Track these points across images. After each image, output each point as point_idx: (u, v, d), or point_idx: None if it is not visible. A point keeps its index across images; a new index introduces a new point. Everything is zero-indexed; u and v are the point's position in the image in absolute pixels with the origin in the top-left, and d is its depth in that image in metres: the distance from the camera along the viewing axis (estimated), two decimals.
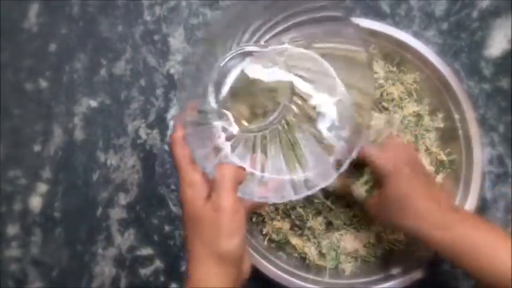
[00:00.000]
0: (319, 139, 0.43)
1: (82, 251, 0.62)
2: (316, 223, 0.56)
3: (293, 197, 0.43)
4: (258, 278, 0.55)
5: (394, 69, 0.59)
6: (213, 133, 0.44)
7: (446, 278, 0.59)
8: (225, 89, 0.43)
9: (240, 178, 0.43)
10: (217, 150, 0.44)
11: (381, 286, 0.54)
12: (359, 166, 0.51)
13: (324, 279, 0.55)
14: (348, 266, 0.57)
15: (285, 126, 0.43)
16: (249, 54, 0.44)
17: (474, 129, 0.55)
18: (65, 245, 0.62)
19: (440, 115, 0.58)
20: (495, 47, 0.62)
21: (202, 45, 0.44)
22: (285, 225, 0.57)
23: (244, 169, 0.43)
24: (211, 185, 0.42)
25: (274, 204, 0.57)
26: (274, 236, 0.57)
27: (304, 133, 0.43)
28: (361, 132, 0.43)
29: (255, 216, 0.58)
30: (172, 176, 0.62)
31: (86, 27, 0.66)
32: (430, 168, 0.57)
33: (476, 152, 0.55)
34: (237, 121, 0.44)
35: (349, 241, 0.57)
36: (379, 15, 0.63)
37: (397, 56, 0.58)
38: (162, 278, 0.61)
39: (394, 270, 0.55)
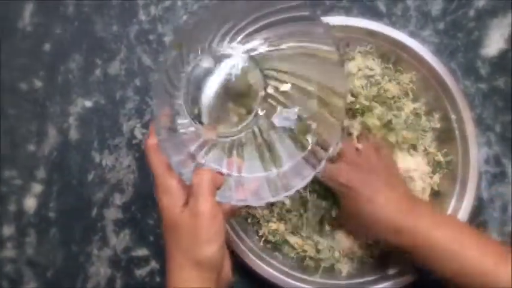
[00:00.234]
0: (293, 139, 0.43)
1: (77, 251, 0.62)
2: (311, 223, 0.56)
3: (271, 198, 0.43)
4: (253, 278, 0.55)
5: (390, 66, 0.59)
6: (188, 139, 0.44)
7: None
8: (204, 98, 0.43)
9: (218, 183, 0.42)
10: (193, 156, 0.43)
11: (377, 287, 0.54)
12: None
13: (320, 280, 0.55)
14: (344, 267, 0.56)
15: (260, 128, 0.43)
16: (221, 58, 0.43)
17: (470, 129, 0.55)
18: (59, 245, 0.62)
19: (436, 115, 0.58)
20: (492, 47, 0.62)
21: (172, 50, 0.43)
22: (281, 227, 0.57)
23: (221, 173, 0.43)
24: (189, 191, 0.42)
25: (268, 208, 0.57)
26: (270, 237, 0.57)
27: (278, 133, 0.43)
28: (335, 132, 0.43)
29: (250, 217, 0.58)
30: None
31: (81, 27, 0.65)
32: (427, 168, 0.57)
33: (473, 152, 0.55)
34: (212, 128, 0.43)
35: (345, 240, 0.56)
36: (376, 15, 0.63)
37: (394, 55, 0.58)
38: (157, 279, 0.61)
39: (391, 271, 0.55)
